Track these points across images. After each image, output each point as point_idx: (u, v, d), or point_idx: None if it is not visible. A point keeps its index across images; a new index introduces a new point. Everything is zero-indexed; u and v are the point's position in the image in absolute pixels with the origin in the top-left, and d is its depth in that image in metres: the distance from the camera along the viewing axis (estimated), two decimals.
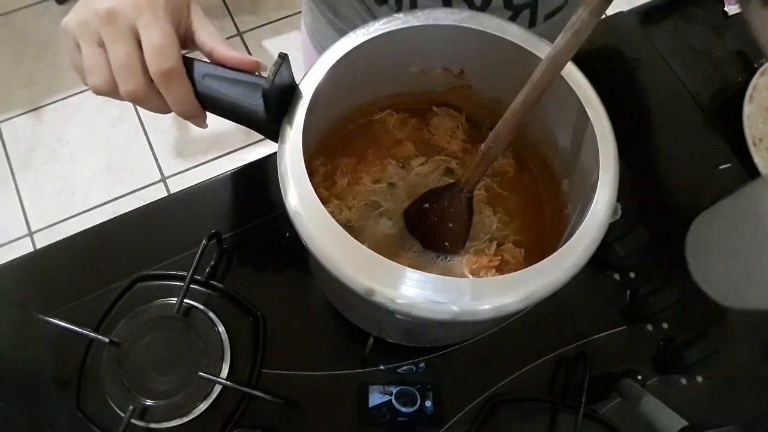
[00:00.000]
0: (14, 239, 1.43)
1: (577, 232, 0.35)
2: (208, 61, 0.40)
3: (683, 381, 0.54)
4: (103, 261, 0.56)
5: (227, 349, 0.52)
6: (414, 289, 0.33)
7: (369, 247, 0.34)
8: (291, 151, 0.37)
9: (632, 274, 0.58)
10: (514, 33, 0.40)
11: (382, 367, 0.53)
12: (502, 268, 0.46)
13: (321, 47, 0.71)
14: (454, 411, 0.52)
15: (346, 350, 0.53)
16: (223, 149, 1.54)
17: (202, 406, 0.50)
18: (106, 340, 0.50)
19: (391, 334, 0.49)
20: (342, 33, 0.41)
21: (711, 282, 0.57)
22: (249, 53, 1.65)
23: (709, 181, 0.64)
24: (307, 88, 0.39)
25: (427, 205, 0.47)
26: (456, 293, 0.33)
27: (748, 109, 0.64)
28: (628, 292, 0.57)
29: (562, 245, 0.35)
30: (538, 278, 0.34)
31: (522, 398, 0.53)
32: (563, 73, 0.38)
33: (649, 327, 0.56)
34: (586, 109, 0.38)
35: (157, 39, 0.36)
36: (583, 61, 0.39)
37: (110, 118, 1.57)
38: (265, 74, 0.36)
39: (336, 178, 0.49)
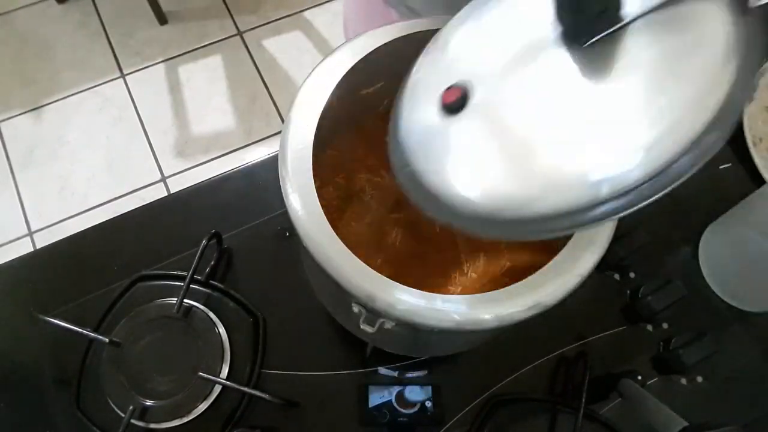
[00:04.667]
0: (14, 239, 1.43)
1: (581, 234, 0.34)
2: None
3: (683, 381, 0.54)
4: (103, 261, 0.56)
5: (227, 349, 0.52)
6: (415, 297, 0.32)
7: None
8: (294, 151, 0.36)
9: (632, 274, 0.58)
10: None
11: (382, 368, 0.53)
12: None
13: None
14: (454, 411, 0.52)
15: (346, 350, 0.53)
16: (223, 149, 1.54)
17: (202, 406, 0.50)
18: (106, 340, 0.50)
19: (388, 345, 0.48)
20: None
21: (727, 289, 0.57)
22: (249, 53, 1.65)
23: (709, 180, 0.64)
24: (326, 82, 0.38)
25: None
26: (458, 301, 0.32)
27: (748, 109, 0.64)
28: (628, 292, 0.57)
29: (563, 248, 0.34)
30: (539, 289, 0.33)
31: (522, 398, 0.53)
32: None
33: (649, 327, 0.56)
34: None
35: None
36: None
37: (110, 118, 1.57)
38: None
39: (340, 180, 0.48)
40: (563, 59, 0.27)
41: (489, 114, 0.29)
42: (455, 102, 0.30)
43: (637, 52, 0.26)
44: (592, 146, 0.27)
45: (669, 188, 0.26)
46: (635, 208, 0.27)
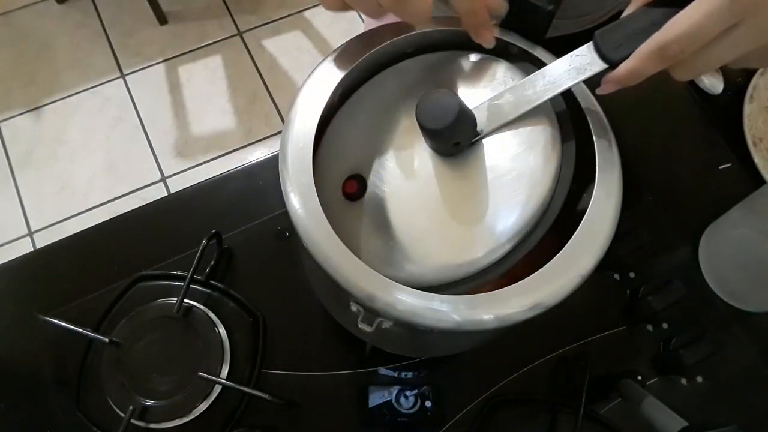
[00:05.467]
0: (14, 239, 1.43)
1: (582, 235, 0.34)
2: None
3: (683, 381, 0.54)
4: (103, 261, 0.56)
5: (227, 349, 0.52)
6: (415, 297, 0.32)
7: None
8: (294, 151, 0.35)
9: (632, 274, 0.58)
10: None
11: (382, 368, 0.53)
12: None
13: None
14: (454, 411, 0.52)
15: (346, 350, 0.53)
16: (223, 149, 1.54)
17: (202, 406, 0.50)
18: (106, 340, 0.50)
19: (387, 345, 0.48)
20: None
21: (727, 289, 0.57)
22: (249, 53, 1.65)
23: (709, 181, 0.64)
24: (326, 82, 0.37)
25: None
26: (458, 301, 0.32)
27: (748, 109, 0.64)
28: (628, 292, 0.57)
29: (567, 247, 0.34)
30: (540, 290, 0.32)
31: (522, 398, 0.53)
32: None
33: (649, 327, 0.56)
34: (585, 110, 0.38)
35: None
36: None
37: (110, 118, 1.57)
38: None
39: None
40: (437, 161, 0.36)
41: (381, 204, 0.36)
42: (356, 193, 0.36)
43: (492, 149, 0.35)
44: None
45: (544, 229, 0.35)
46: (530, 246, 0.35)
